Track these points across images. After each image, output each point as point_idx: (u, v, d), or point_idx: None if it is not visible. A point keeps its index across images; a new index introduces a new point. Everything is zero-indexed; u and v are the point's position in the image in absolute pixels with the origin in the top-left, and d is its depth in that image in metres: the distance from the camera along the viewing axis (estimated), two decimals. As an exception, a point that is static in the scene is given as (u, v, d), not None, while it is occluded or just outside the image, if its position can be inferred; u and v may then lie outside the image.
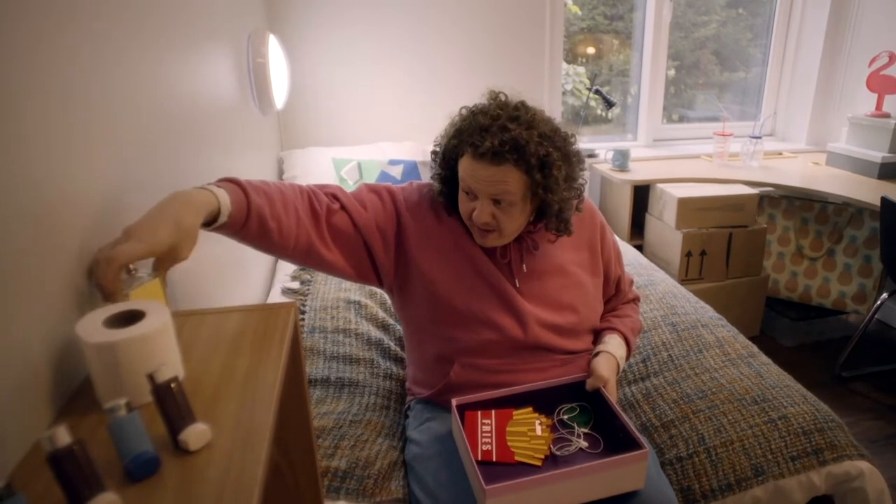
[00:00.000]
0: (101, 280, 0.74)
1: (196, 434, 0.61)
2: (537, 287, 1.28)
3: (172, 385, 0.60)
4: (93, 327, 0.67)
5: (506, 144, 1.11)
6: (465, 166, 1.17)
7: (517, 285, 1.26)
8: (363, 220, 1.22)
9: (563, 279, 1.30)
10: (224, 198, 0.99)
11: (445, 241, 1.26)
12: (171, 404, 0.60)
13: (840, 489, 1.29)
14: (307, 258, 1.17)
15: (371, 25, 2.77)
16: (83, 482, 0.51)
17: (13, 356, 0.62)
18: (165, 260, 0.84)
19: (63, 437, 0.51)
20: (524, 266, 1.27)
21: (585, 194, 1.30)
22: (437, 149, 1.27)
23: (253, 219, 1.05)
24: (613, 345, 1.30)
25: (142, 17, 1.09)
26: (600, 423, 1.21)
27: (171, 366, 0.65)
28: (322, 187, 1.22)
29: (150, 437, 0.59)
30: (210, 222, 0.98)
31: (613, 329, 1.34)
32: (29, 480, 0.57)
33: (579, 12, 3.23)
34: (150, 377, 0.60)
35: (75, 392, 0.72)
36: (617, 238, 2.56)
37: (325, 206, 1.19)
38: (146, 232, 0.80)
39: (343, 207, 1.22)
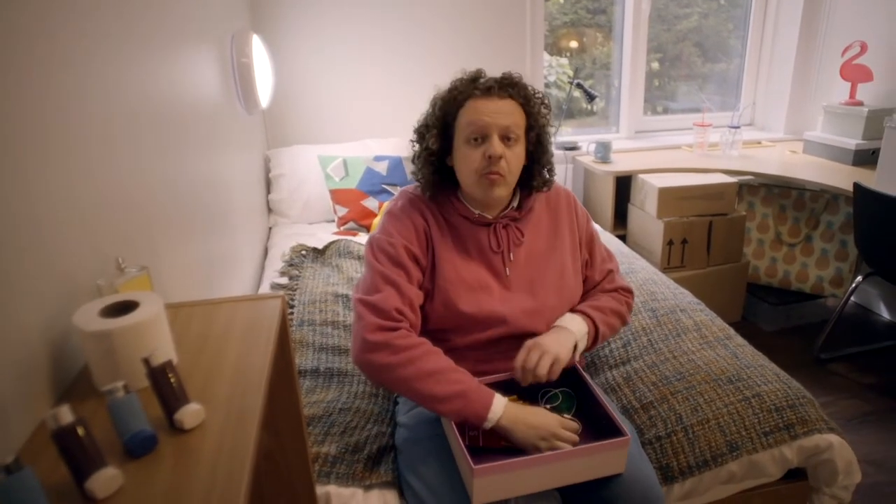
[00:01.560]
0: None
1: (191, 413, 0.65)
2: (523, 275, 1.33)
3: (167, 368, 0.64)
4: (89, 317, 0.70)
5: (505, 81, 1.27)
6: (472, 109, 1.25)
7: (507, 273, 1.31)
8: (422, 261, 1.29)
9: (544, 265, 1.34)
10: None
11: (444, 243, 1.30)
12: (167, 386, 0.64)
13: (811, 461, 1.35)
14: None
15: (353, 24, 2.80)
16: (86, 458, 0.55)
17: (16, 345, 0.66)
18: None
19: (66, 415, 0.55)
20: (511, 255, 1.32)
21: (555, 171, 1.39)
22: (426, 121, 1.32)
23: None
24: (566, 319, 1.31)
25: (128, 18, 1.12)
26: (584, 408, 1.25)
27: (165, 351, 0.69)
28: (397, 296, 1.22)
29: (147, 418, 0.63)
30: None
31: (573, 311, 1.35)
32: (35, 457, 0.61)
33: (561, 1, 3.26)
34: (146, 361, 0.64)
35: (73, 380, 0.76)
36: (599, 227, 2.62)
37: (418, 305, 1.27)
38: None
39: (415, 278, 1.27)
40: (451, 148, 1.30)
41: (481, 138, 1.24)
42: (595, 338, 1.33)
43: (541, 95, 1.32)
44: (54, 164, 0.78)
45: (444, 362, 1.18)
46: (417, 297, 1.25)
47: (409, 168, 2.60)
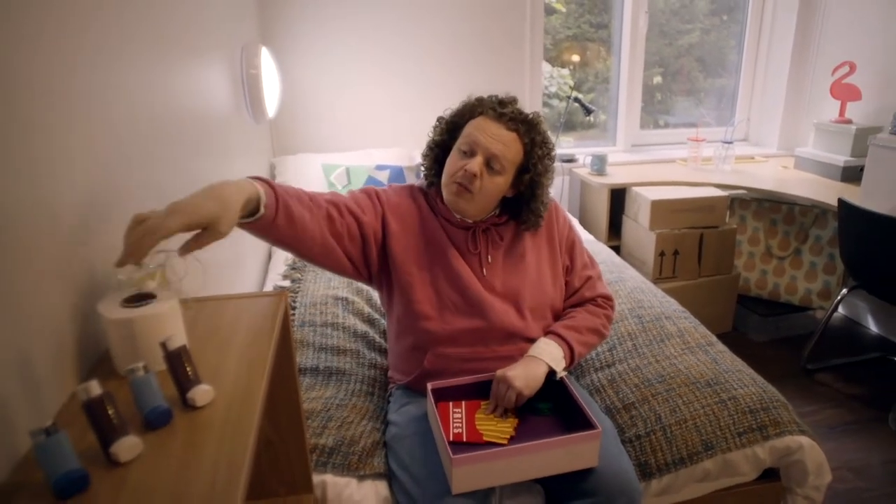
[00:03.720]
0: (135, 247, 0.78)
1: (202, 392, 0.73)
2: (500, 277, 1.41)
3: (182, 352, 0.72)
4: (112, 306, 0.79)
5: (522, 116, 1.35)
6: (476, 124, 1.33)
7: (484, 273, 1.39)
8: (363, 221, 1.33)
9: (523, 268, 1.42)
10: (261, 189, 1.07)
11: (422, 239, 1.39)
12: (181, 367, 0.72)
13: (783, 462, 1.42)
14: (325, 257, 1.27)
15: (358, 37, 2.91)
16: (111, 426, 0.63)
17: (49, 330, 0.74)
18: (205, 235, 0.87)
19: (95, 388, 0.63)
20: (489, 257, 1.40)
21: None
22: (444, 116, 1.43)
23: (281, 214, 1.12)
24: (540, 348, 1.36)
25: (141, 30, 1.20)
26: (564, 407, 1.33)
27: (179, 338, 0.77)
28: (318, 195, 1.30)
29: (163, 395, 0.71)
30: (247, 215, 1.05)
31: (548, 332, 1.42)
32: (66, 426, 0.69)
33: (564, 9, 3.35)
34: (163, 345, 0.72)
35: (95, 363, 0.84)
36: (591, 237, 2.70)
37: (337, 207, 1.29)
38: (189, 206, 0.85)
39: (350, 211, 1.32)
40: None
41: (469, 152, 1.32)
42: (570, 361, 1.38)
43: (550, 146, 1.38)
44: (79, 169, 0.87)
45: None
46: (349, 219, 1.31)
47: (409, 177, 2.69)
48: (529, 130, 1.34)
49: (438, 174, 1.41)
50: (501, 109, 1.34)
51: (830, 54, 3.14)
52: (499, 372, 1.30)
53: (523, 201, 1.40)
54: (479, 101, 1.38)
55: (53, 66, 0.84)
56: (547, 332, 1.42)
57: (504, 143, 1.31)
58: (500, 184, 1.34)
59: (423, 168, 1.46)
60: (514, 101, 1.38)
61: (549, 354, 1.35)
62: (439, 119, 1.44)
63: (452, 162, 1.35)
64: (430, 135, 1.45)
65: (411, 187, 1.47)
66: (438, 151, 1.42)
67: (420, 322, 1.37)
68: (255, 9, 2.71)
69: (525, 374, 1.29)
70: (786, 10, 3.31)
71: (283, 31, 2.83)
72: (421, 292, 1.37)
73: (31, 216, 0.73)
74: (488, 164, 1.31)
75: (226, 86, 1.96)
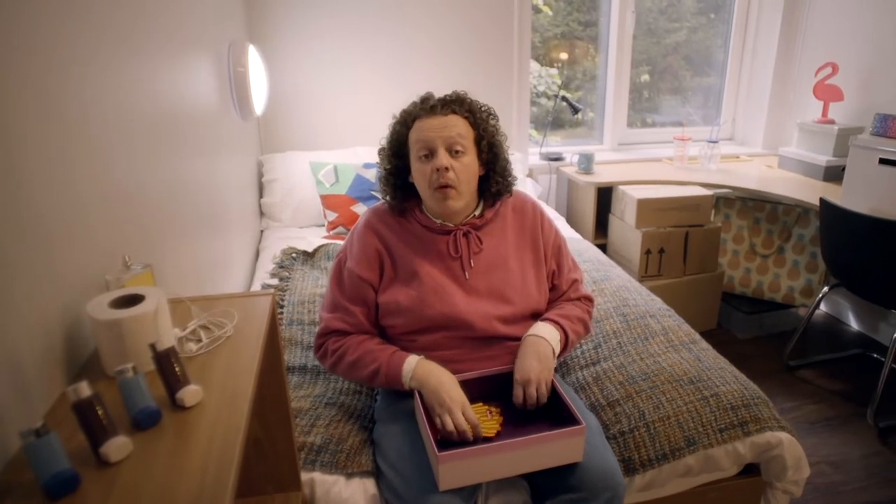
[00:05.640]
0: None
1: (191, 393, 0.74)
2: (484, 280, 1.42)
3: (170, 353, 0.73)
4: (101, 307, 0.79)
5: (448, 98, 1.41)
6: (418, 128, 1.37)
7: (467, 277, 1.41)
8: (371, 281, 1.43)
9: (505, 272, 1.44)
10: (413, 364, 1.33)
11: (405, 253, 1.42)
12: (170, 368, 0.73)
13: (763, 457, 1.45)
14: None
15: (345, 35, 2.91)
16: (101, 427, 0.64)
17: (37, 331, 0.75)
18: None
19: (85, 389, 0.64)
20: (471, 262, 1.42)
21: (519, 177, 1.53)
22: (384, 144, 1.46)
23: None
24: (539, 328, 1.40)
25: (128, 27, 1.20)
26: (549, 403, 1.34)
27: (168, 339, 0.78)
28: (337, 308, 1.43)
29: (152, 396, 0.72)
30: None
31: (543, 320, 1.45)
32: (55, 426, 0.70)
33: (550, 12, 3.37)
34: (152, 346, 0.73)
35: (84, 364, 0.85)
36: (578, 236, 2.72)
37: (366, 305, 1.43)
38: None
39: (368, 296, 1.43)
40: (409, 167, 1.41)
41: (430, 153, 1.35)
42: (564, 345, 1.42)
43: (486, 108, 1.44)
44: (69, 171, 0.87)
45: (361, 350, 1.37)
46: (366, 311, 1.43)
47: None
48: (462, 105, 1.40)
49: (403, 198, 1.45)
50: (429, 104, 1.39)
51: (814, 55, 3.19)
52: (518, 377, 1.32)
53: (490, 171, 1.44)
54: (405, 112, 1.42)
55: (49, 69, 0.84)
56: (540, 320, 1.44)
57: (451, 125, 1.36)
58: (470, 163, 1.38)
59: (385, 199, 1.47)
60: (431, 95, 1.43)
61: (548, 333, 1.39)
62: (381, 150, 1.47)
63: (421, 172, 1.37)
64: (379, 168, 1.47)
65: (374, 218, 1.48)
66: (394, 178, 1.44)
67: (401, 340, 1.41)
68: (242, 6, 2.70)
69: (539, 359, 1.33)
70: (771, 9, 3.35)
71: (270, 29, 2.82)
72: (405, 314, 1.39)
73: (19, 218, 0.73)
74: (451, 151, 1.35)
75: (213, 83, 1.95)
